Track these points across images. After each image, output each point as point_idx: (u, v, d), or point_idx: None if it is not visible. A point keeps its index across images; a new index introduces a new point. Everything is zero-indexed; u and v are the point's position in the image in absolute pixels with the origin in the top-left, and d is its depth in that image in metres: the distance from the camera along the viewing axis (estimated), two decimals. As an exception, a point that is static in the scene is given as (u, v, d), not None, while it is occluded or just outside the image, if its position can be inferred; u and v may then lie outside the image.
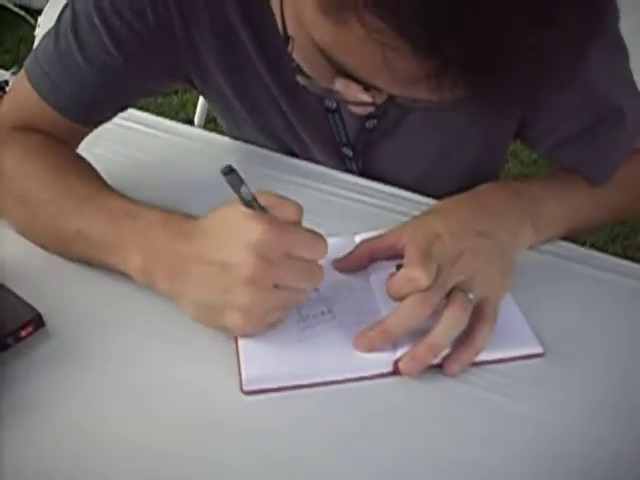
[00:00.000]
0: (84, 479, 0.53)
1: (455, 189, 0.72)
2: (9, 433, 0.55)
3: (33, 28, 1.76)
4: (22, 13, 2.71)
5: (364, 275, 0.69)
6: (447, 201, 0.71)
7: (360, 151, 0.85)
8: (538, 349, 0.63)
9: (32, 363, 0.61)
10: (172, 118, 0.97)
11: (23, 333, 0.62)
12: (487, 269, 0.63)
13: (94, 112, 0.78)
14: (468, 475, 0.55)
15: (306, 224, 0.61)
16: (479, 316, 0.61)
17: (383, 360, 0.61)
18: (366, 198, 0.82)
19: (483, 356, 0.61)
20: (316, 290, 0.63)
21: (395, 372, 0.61)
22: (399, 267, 0.62)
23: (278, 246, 0.58)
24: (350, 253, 0.69)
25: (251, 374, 0.60)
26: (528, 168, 2.09)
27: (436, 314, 0.59)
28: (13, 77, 1.02)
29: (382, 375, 0.61)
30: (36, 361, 0.61)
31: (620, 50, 0.72)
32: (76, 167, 0.74)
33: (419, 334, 0.60)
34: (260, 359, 0.61)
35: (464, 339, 0.60)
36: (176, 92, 2.38)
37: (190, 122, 1.59)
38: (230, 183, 0.58)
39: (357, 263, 0.69)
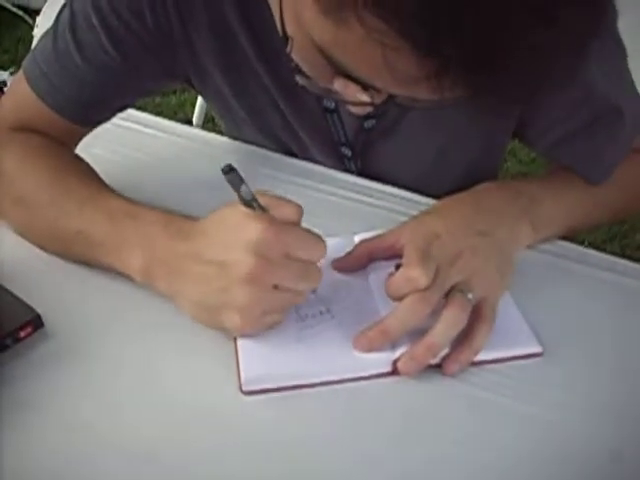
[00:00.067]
0: (83, 479, 0.53)
1: (454, 188, 0.72)
2: (8, 433, 0.55)
3: (31, 28, 1.76)
4: (20, 13, 2.71)
5: (363, 275, 0.69)
6: (446, 201, 0.71)
7: (359, 151, 0.85)
8: (537, 348, 0.63)
9: (31, 364, 0.61)
10: (170, 118, 0.97)
11: (22, 334, 0.61)
12: (486, 268, 0.63)
13: (92, 112, 0.78)
14: (468, 475, 0.55)
15: (305, 224, 0.61)
16: (478, 316, 0.61)
17: (382, 360, 0.61)
18: (365, 198, 0.82)
19: (482, 356, 0.61)
20: (314, 291, 0.63)
21: (394, 372, 0.61)
22: (398, 267, 0.62)
23: (277, 246, 0.58)
24: (349, 253, 0.69)
25: (250, 374, 0.60)
26: (527, 167, 2.09)
27: (435, 314, 0.59)
28: (11, 77, 1.02)
29: (381, 375, 0.61)
30: (35, 362, 0.61)
31: (618, 49, 0.72)
32: (75, 168, 0.74)
33: (418, 334, 0.60)
34: (259, 359, 0.61)
35: (463, 339, 0.61)
36: (174, 92, 2.38)
37: (188, 122, 1.58)
38: (230, 182, 0.58)
39: (356, 263, 0.69)
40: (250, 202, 0.59)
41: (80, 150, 0.79)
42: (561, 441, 0.57)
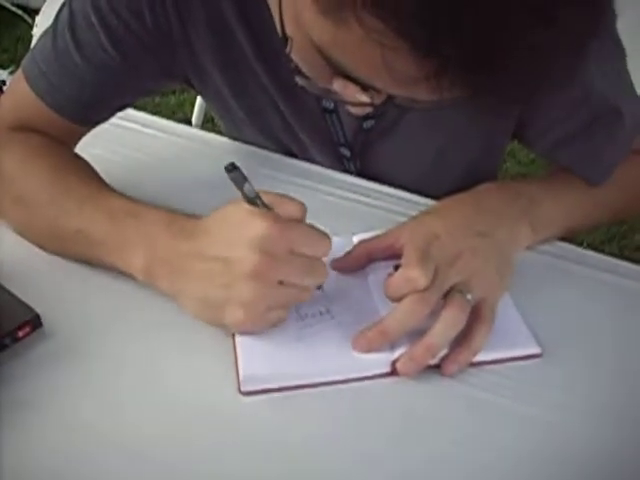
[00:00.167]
0: (82, 479, 0.53)
1: (453, 189, 0.72)
2: (8, 433, 0.55)
3: (30, 27, 1.76)
4: (20, 12, 2.71)
5: (362, 275, 0.68)
6: (445, 201, 0.71)
7: (358, 151, 0.85)
8: (536, 349, 0.63)
9: (29, 363, 0.61)
10: (169, 118, 0.97)
11: (21, 333, 0.61)
12: (485, 269, 0.63)
13: (92, 112, 0.77)
14: (467, 476, 0.55)
15: (305, 224, 0.61)
16: (477, 316, 0.61)
17: (381, 360, 0.61)
18: (364, 198, 0.82)
19: (481, 356, 0.61)
20: (320, 287, 0.63)
21: (393, 372, 0.61)
22: (397, 267, 0.62)
23: (282, 242, 0.58)
24: (348, 253, 0.69)
25: (249, 374, 0.59)
26: (526, 168, 2.09)
27: (434, 314, 0.59)
28: (10, 77, 1.02)
29: (380, 375, 0.61)
30: (33, 361, 0.61)
31: (617, 50, 0.72)
32: (75, 167, 0.74)
33: (417, 334, 0.59)
34: (258, 359, 0.61)
35: (462, 340, 0.60)
36: (174, 92, 2.38)
37: (188, 122, 1.58)
38: (233, 180, 0.58)
39: (355, 263, 0.69)
40: (253, 200, 0.59)
41: (79, 150, 0.79)
42: (560, 442, 0.57)
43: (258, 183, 0.61)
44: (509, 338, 0.63)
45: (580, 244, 0.77)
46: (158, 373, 0.61)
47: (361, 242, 0.69)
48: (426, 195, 0.81)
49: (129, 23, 0.70)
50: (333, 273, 0.68)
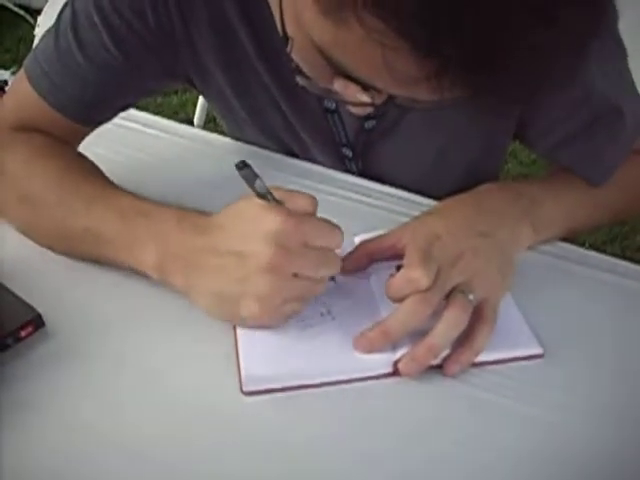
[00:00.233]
0: (82, 479, 0.53)
1: (455, 189, 0.72)
2: (8, 433, 0.55)
3: (33, 27, 1.76)
4: (22, 12, 2.71)
5: (364, 276, 0.68)
6: (447, 201, 0.71)
7: (359, 151, 0.85)
8: (538, 350, 0.63)
9: (32, 363, 0.61)
10: (171, 118, 0.97)
11: (23, 333, 0.61)
12: (487, 269, 0.63)
13: (94, 112, 0.78)
14: (469, 476, 0.55)
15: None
16: (479, 317, 0.61)
17: (383, 361, 0.61)
18: (366, 198, 0.82)
19: (483, 357, 0.61)
20: (333, 278, 0.63)
21: (395, 373, 0.61)
22: (399, 268, 0.62)
23: (296, 236, 0.58)
24: (350, 254, 0.68)
25: (250, 375, 0.60)
26: (527, 168, 2.09)
27: (436, 315, 0.59)
28: (12, 77, 1.02)
29: (382, 376, 0.61)
30: (36, 361, 0.61)
31: (618, 49, 0.72)
32: (81, 166, 0.74)
33: (419, 335, 0.59)
34: (260, 360, 0.61)
35: (464, 340, 0.60)
36: (176, 92, 2.38)
37: (190, 122, 1.59)
38: (244, 177, 0.59)
39: (357, 264, 0.69)
40: (265, 195, 0.59)
41: (82, 149, 0.79)
42: (562, 442, 0.57)
43: (259, 183, 0.61)
44: (511, 338, 0.63)
45: (582, 245, 0.77)
46: (159, 373, 0.61)
47: (363, 242, 0.69)
48: (428, 195, 0.81)
49: (131, 23, 0.70)
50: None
